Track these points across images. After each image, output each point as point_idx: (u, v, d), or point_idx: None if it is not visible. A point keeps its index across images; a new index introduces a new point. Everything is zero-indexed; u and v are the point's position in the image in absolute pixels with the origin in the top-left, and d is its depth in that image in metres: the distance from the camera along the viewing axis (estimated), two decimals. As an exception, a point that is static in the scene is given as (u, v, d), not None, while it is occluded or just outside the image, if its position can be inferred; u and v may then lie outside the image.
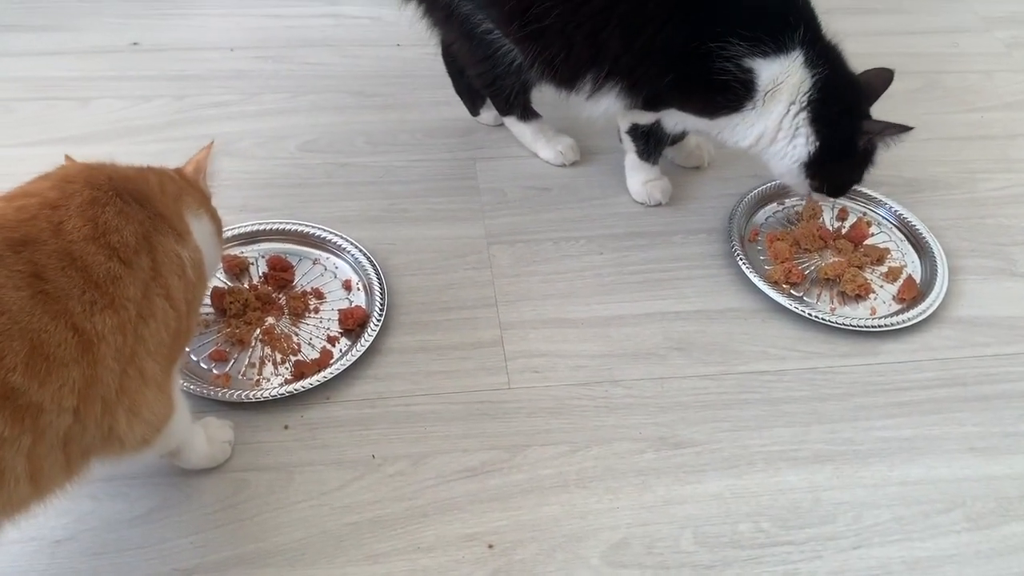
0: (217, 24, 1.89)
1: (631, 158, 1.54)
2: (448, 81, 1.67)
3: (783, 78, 1.28)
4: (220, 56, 1.80)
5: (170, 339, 0.94)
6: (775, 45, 1.26)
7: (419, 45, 1.63)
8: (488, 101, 1.64)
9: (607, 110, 1.39)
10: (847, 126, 1.32)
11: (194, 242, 1.02)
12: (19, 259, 0.83)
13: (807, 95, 1.30)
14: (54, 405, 0.82)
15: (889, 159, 1.65)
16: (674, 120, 1.42)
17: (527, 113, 1.59)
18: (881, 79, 1.38)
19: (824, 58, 1.30)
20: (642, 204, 1.55)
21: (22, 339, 0.80)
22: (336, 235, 1.43)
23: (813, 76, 1.29)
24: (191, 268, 0.99)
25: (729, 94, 1.30)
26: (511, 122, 1.62)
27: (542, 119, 1.61)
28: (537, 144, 1.62)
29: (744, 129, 1.34)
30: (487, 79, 1.50)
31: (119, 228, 0.90)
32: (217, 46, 1.83)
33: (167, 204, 1.00)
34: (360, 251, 1.41)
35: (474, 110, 1.68)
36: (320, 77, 1.78)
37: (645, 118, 1.44)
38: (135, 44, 1.82)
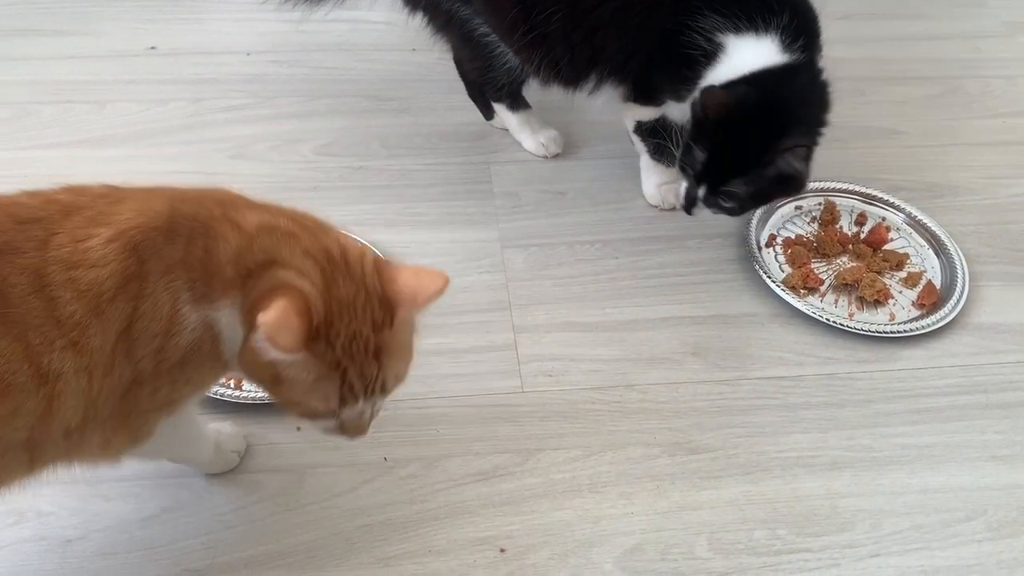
0: (233, 29, 1.89)
1: (645, 159, 1.53)
2: (463, 85, 1.67)
3: (749, 59, 1.25)
4: (236, 60, 1.81)
5: (118, 397, 0.82)
6: (749, 23, 1.24)
7: (434, 50, 1.62)
8: (503, 105, 1.65)
9: (607, 101, 1.40)
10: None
11: (229, 315, 0.82)
12: None
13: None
14: (7, 425, 0.78)
15: (909, 164, 1.65)
16: (675, 112, 1.41)
17: (517, 103, 1.60)
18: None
19: (799, 51, 1.25)
20: (656, 208, 1.54)
21: None
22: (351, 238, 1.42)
23: (771, 65, 1.25)
24: (194, 336, 0.82)
25: (698, 68, 1.28)
26: (501, 109, 1.63)
27: (531, 110, 1.62)
28: (522, 134, 1.63)
29: None
30: (481, 72, 1.53)
31: (98, 263, 0.77)
32: (233, 50, 1.83)
33: (222, 260, 0.81)
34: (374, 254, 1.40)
35: (488, 114, 1.68)
36: (335, 81, 1.78)
37: (646, 113, 1.43)
38: (152, 48, 1.82)
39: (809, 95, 1.29)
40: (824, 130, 1.30)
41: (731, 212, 1.35)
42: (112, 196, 0.83)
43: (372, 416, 0.93)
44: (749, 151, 1.26)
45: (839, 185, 1.56)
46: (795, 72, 1.26)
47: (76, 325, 0.77)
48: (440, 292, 0.85)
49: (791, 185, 1.30)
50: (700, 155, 1.29)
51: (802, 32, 1.26)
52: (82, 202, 0.82)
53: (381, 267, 0.87)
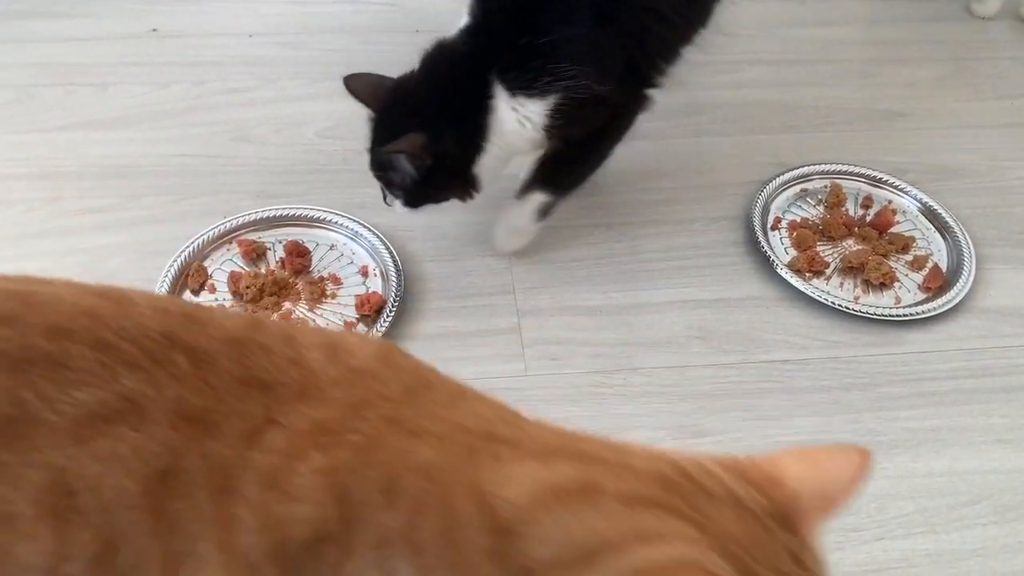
0: (235, 10, 1.88)
1: None
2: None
3: None
4: (238, 42, 1.80)
5: None
6: None
7: (437, 31, 1.61)
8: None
9: None
10: None
11: None
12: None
13: None
14: None
15: (916, 147, 1.63)
16: None
17: None
18: None
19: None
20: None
21: None
22: (353, 221, 1.42)
23: None
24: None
25: None
26: None
27: None
28: None
29: None
30: None
31: (297, 496, 0.52)
32: (235, 32, 1.82)
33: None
34: (377, 237, 1.40)
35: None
36: (339, 63, 1.76)
37: None
38: (154, 30, 1.81)
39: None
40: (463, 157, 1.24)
41: (406, 203, 1.27)
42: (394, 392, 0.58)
43: None
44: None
45: (845, 167, 1.55)
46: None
47: (244, 562, 0.52)
48: (861, 475, 0.53)
49: (416, 196, 1.25)
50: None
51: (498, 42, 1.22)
52: (336, 376, 0.56)
53: (738, 468, 0.53)
